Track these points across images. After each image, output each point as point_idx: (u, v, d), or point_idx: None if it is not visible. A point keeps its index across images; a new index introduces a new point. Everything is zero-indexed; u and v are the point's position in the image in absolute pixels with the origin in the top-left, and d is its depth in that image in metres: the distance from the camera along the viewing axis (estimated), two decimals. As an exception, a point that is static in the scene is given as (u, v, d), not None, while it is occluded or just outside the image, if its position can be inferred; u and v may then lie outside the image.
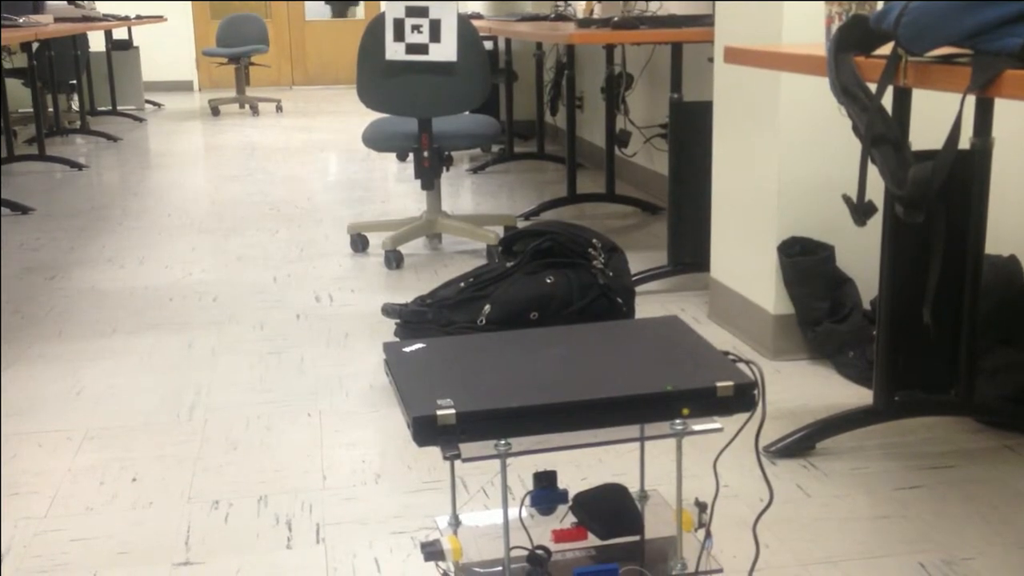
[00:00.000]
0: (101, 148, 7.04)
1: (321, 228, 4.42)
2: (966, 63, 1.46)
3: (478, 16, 6.15)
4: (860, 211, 1.81)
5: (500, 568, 1.37)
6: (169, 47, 10.68)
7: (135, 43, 9.32)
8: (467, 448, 1.26)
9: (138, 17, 8.99)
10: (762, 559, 1.77)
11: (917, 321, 2.15)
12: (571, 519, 1.42)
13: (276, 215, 4.72)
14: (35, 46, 6.55)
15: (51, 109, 7.61)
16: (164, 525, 1.93)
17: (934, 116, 2.33)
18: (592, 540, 1.41)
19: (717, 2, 2.95)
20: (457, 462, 1.26)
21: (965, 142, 2.07)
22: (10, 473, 2.16)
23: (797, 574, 1.72)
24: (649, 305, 3.20)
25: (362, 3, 12.10)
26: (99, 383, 2.66)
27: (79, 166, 6.17)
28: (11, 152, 6.18)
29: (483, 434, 1.25)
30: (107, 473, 2.15)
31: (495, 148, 6.27)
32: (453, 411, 1.24)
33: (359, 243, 4.03)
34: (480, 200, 4.99)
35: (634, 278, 2.91)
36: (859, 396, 2.45)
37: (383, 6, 3.93)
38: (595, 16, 4.56)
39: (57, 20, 6.81)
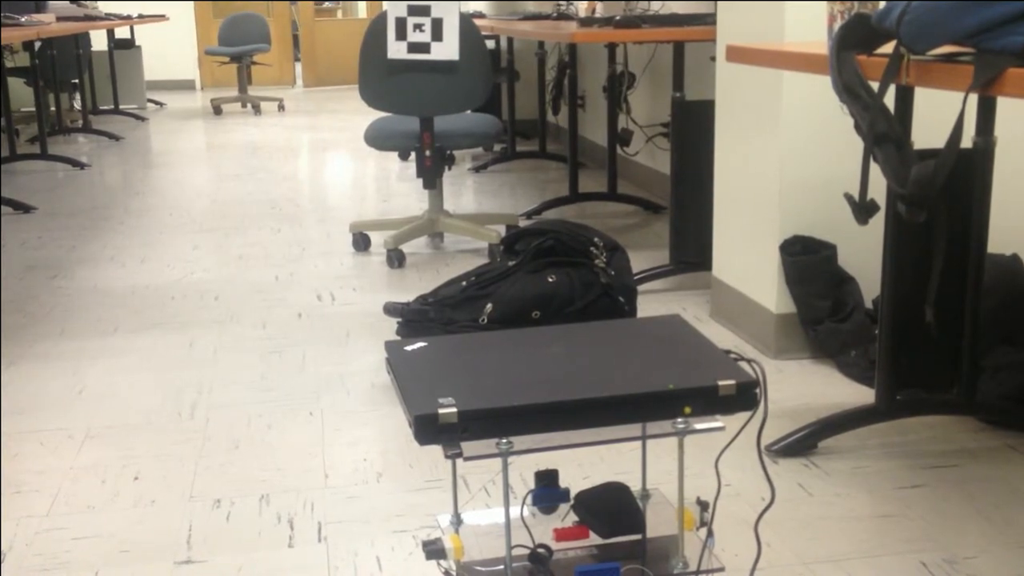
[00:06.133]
0: (103, 147, 7.04)
1: (323, 227, 4.42)
2: (968, 62, 1.46)
3: (480, 15, 6.15)
4: (862, 210, 1.81)
5: (502, 567, 1.37)
6: (171, 46, 10.68)
7: (137, 42, 9.32)
8: (469, 447, 1.26)
9: (140, 16, 8.99)
10: (764, 558, 1.77)
11: (919, 320, 2.15)
12: (573, 518, 1.42)
13: (278, 214, 4.72)
14: (37, 45, 6.55)
15: (53, 108, 7.61)
16: (166, 523, 1.93)
17: (936, 115, 2.33)
18: (594, 539, 1.41)
19: (719, 1, 2.94)
20: (459, 461, 1.26)
21: (967, 141, 2.07)
22: (12, 471, 2.17)
23: (799, 573, 1.72)
24: (651, 304, 3.20)
25: (363, 2, 12.10)
26: (101, 382, 2.66)
27: (81, 165, 6.18)
28: (13, 151, 6.18)
29: (485, 433, 1.25)
30: (109, 471, 2.16)
31: (497, 147, 6.26)
32: (455, 409, 1.24)
33: (361, 242, 4.03)
34: (482, 199, 4.99)
35: (636, 277, 2.91)
36: (861, 395, 2.45)
37: (385, 5, 3.93)
38: (597, 15, 4.56)
39: (59, 19, 6.81)
